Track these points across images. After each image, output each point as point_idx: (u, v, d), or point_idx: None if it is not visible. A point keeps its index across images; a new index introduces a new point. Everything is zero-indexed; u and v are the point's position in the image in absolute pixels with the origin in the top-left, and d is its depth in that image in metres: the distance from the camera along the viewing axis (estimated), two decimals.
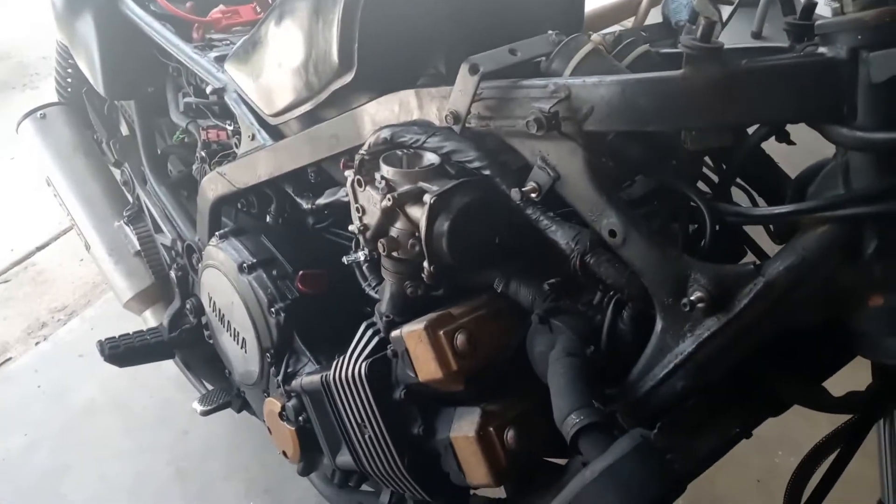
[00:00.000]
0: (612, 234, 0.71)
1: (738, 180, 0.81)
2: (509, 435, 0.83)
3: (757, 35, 2.67)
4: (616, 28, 0.85)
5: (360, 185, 0.89)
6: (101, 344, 1.36)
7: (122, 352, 1.34)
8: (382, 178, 0.86)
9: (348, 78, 0.91)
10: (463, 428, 0.85)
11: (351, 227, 0.93)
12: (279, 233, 1.23)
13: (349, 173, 0.91)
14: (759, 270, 0.65)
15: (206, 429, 1.80)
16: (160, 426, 1.84)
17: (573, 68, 0.77)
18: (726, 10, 0.66)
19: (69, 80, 1.67)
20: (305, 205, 1.15)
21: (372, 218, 0.89)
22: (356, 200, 0.91)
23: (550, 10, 1.01)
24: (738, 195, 0.80)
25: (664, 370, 0.71)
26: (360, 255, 1.07)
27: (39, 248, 2.48)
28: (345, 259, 1.10)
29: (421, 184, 0.84)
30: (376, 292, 0.99)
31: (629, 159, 0.77)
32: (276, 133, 1.16)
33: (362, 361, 0.92)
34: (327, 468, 1.16)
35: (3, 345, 2.17)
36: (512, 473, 0.83)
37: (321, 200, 1.11)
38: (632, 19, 1.69)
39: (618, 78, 0.68)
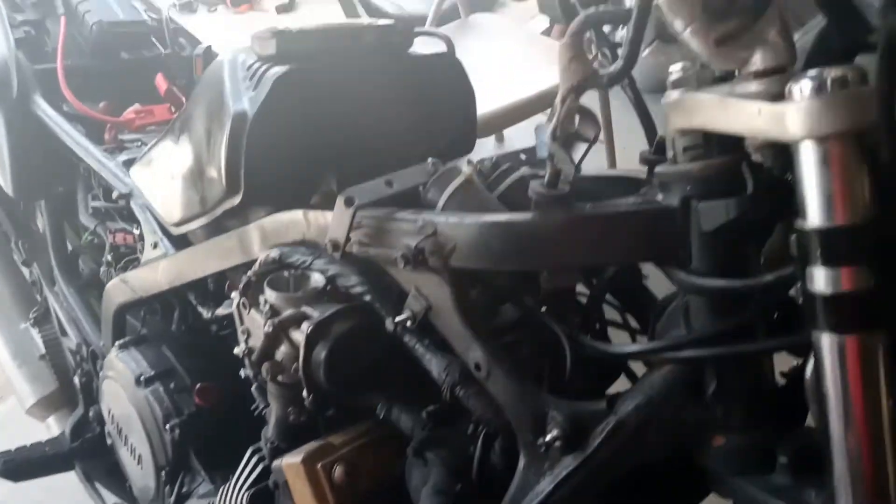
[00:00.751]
0: (478, 367, 0.71)
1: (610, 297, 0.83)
2: None
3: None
4: (492, 154, 0.87)
5: (245, 308, 0.89)
6: None
7: (18, 465, 1.28)
8: (266, 301, 0.85)
9: (236, 200, 0.91)
10: None
11: (236, 350, 0.91)
12: (182, 342, 1.20)
13: (235, 295, 0.90)
14: (611, 408, 0.65)
15: None
16: None
17: (445, 200, 0.78)
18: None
19: None
20: (206, 314, 1.13)
21: (256, 341, 0.88)
22: (241, 322, 0.90)
23: (443, 124, 1.03)
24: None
25: None
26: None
27: None
28: (242, 372, 1.08)
29: (304, 308, 0.83)
30: (262, 412, 0.97)
31: (497, 288, 0.77)
32: (179, 241, 1.15)
33: (244, 492, 0.89)
34: None
35: None
36: None
37: (220, 311, 1.10)
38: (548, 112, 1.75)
39: (475, 219, 0.69)
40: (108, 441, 1.32)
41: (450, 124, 1.03)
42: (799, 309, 0.54)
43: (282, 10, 3.84)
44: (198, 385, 1.12)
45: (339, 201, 0.78)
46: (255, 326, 0.88)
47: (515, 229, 0.66)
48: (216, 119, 0.92)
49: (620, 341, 0.75)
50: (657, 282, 0.74)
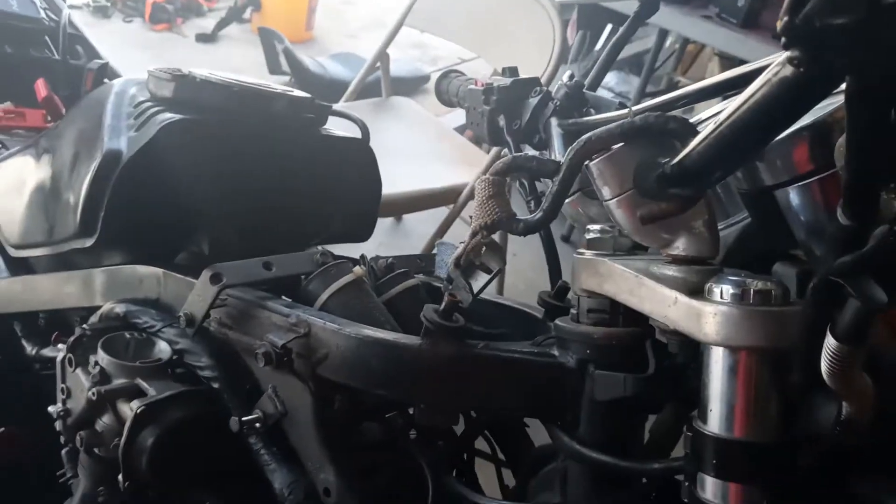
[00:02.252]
0: (327, 492, 0.64)
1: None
2: None
3: (566, 238, 2.82)
4: (388, 254, 0.82)
5: (69, 364, 0.77)
6: None
7: None
8: (97, 364, 0.74)
9: (87, 243, 0.81)
10: None
11: (50, 409, 0.79)
12: None
13: (61, 348, 0.78)
14: None
15: None
16: None
17: (327, 297, 0.72)
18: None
19: None
20: (30, 350, 0.99)
21: (76, 404, 0.76)
22: (63, 380, 0.78)
23: (343, 208, 0.97)
24: None
25: None
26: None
27: None
28: (51, 409, 0.94)
29: (139, 381, 0.73)
30: (69, 482, 0.84)
31: (362, 404, 0.71)
32: (15, 264, 1.01)
33: None
34: None
35: None
36: None
37: (46, 352, 0.97)
38: (450, 206, 1.75)
39: (356, 330, 0.63)
40: None
41: (350, 209, 0.98)
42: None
43: (201, 39, 3.68)
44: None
45: (205, 276, 0.70)
46: (77, 387, 0.77)
47: (399, 354, 0.60)
48: (85, 149, 0.82)
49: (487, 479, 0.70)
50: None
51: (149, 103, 0.82)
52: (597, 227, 0.60)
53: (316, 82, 3.00)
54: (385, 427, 0.72)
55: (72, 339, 0.78)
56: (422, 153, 1.90)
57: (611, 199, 0.53)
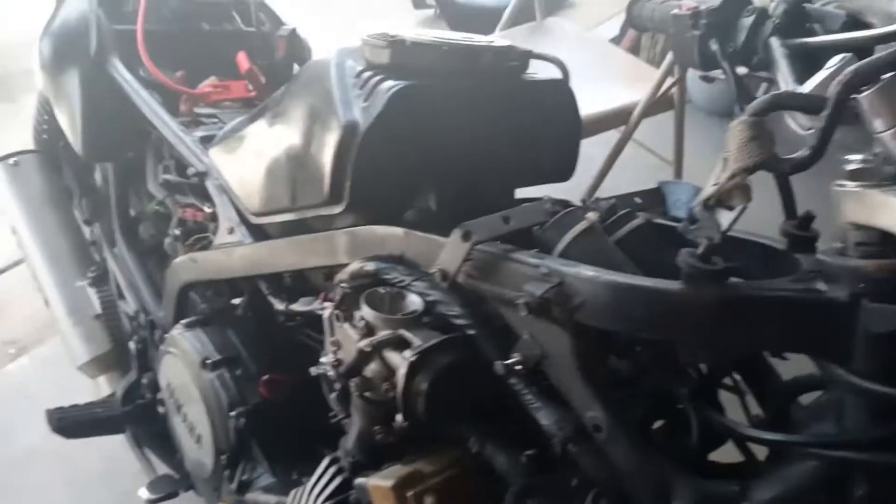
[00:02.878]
0: (597, 429, 0.69)
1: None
2: None
3: None
4: (612, 196, 0.84)
5: (338, 320, 0.87)
6: (49, 413, 1.31)
7: (71, 424, 1.29)
8: (362, 318, 0.83)
9: (336, 209, 0.89)
10: None
11: (323, 359, 0.89)
12: (247, 328, 1.19)
13: (328, 305, 0.88)
14: (743, 494, 0.63)
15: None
16: (103, 484, 1.76)
17: (566, 245, 0.75)
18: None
19: (46, 130, 1.61)
20: (278, 305, 1.11)
21: (347, 355, 0.86)
22: (332, 334, 0.88)
23: (546, 152, 1.00)
24: None
25: None
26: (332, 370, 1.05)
27: None
28: (313, 370, 1.07)
29: (402, 332, 0.81)
30: (340, 421, 0.96)
31: (614, 345, 0.75)
32: (255, 230, 1.13)
33: (324, 501, 0.88)
34: None
35: None
36: None
37: (295, 307, 1.08)
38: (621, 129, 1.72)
39: (613, 278, 0.67)
40: (161, 410, 1.32)
41: (552, 152, 1.00)
42: None
43: None
44: (265, 377, 1.11)
45: (456, 234, 0.75)
46: (346, 340, 0.86)
47: (662, 299, 0.63)
48: (321, 123, 0.89)
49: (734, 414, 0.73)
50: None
51: (369, 72, 0.87)
52: (857, 157, 0.58)
53: (462, 13, 2.98)
54: (636, 365, 0.76)
55: (337, 298, 0.87)
56: (587, 75, 1.86)
57: (885, 132, 0.52)
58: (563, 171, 1.01)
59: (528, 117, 0.94)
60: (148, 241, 1.47)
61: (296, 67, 1.45)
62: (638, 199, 0.87)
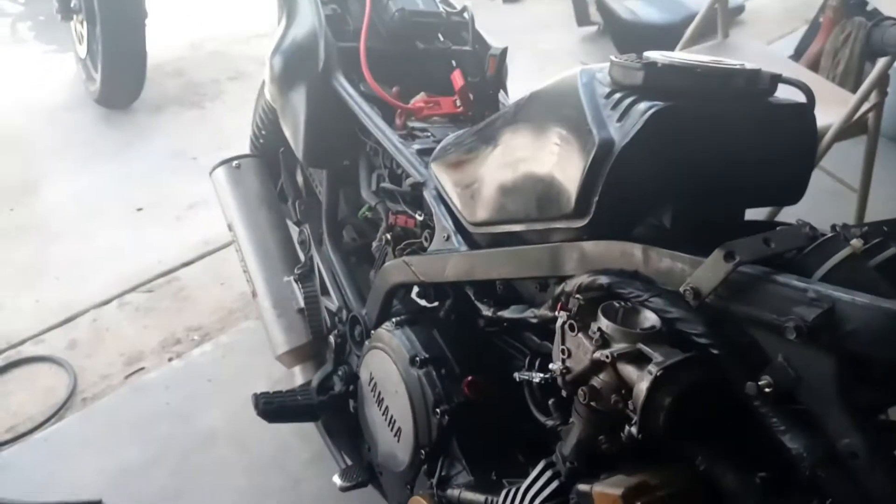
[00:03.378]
0: (854, 455, 0.69)
1: None
2: None
3: None
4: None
5: (571, 330, 0.90)
6: (255, 398, 1.42)
7: (275, 408, 1.39)
8: (599, 329, 0.86)
9: (580, 223, 0.93)
10: None
11: (552, 366, 0.93)
12: (449, 330, 1.25)
13: (562, 315, 0.91)
14: None
15: (317, 483, 1.83)
16: (274, 470, 1.88)
17: (826, 272, 0.76)
18: None
19: (264, 136, 1.77)
20: (486, 311, 1.16)
21: (577, 364, 0.89)
22: (563, 342, 0.92)
23: (780, 174, 1.00)
24: None
25: None
26: (537, 377, 1.08)
27: (185, 265, 2.61)
28: (517, 375, 1.11)
29: (640, 346, 0.83)
30: (556, 427, 0.99)
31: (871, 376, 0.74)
32: (469, 239, 1.19)
33: (541, 503, 0.92)
34: None
35: (139, 353, 2.28)
36: None
37: (505, 313, 1.12)
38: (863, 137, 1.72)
39: (893, 306, 0.66)
40: (352, 404, 1.41)
41: (786, 174, 1.00)
42: None
43: (508, 0, 3.88)
44: (469, 378, 1.17)
45: (718, 254, 0.77)
46: (579, 349, 0.89)
47: None
48: (570, 140, 0.94)
49: None
50: None
51: (621, 93, 0.91)
52: None
53: (627, 29, 2.99)
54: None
55: (572, 307, 0.90)
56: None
57: None
58: (794, 193, 1.01)
59: (770, 140, 0.95)
60: (349, 244, 1.58)
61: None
62: (885, 228, 0.85)
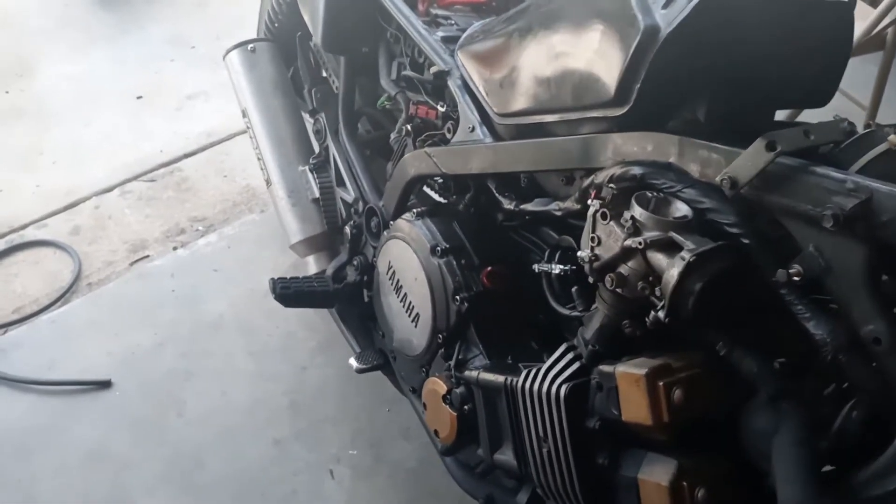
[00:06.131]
0: (877, 341, 0.72)
1: None
2: (700, 493, 0.86)
3: None
4: None
5: (603, 218, 0.91)
6: (273, 282, 1.44)
7: (292, 293, 1.41)
8: (632, 217, 0.88)
9: (619, 111, 0.92)
10: (655, 474, 0.88)
11: (580, 254, 0.95)
12: (469, 223, 1.26)
13: (595, 203, 0.92)
14: None
15: (322, 371, 1.89)
16: (281, 357, 1.93)
17: (863, 165, 0.77)
18: None
19: (280, 20, 1.72)
20: (507, 204, 1.17)
21: (606, 251, 0.91)
22: (593, 230, 0.93)
23: (812, 72, 0.99)
24: None
25: (894, 485, 0.72)
26: (556, 269, 1.11)
27: (187, 156, 2.58)
28: (536, 267, 1.13)
29: (672, 234, 0.85)
30: (580, 314, 1.02)
31: None
32: (494, 131, 1.19)
33: (562, 383, 0.95)
34: (470, 457, 1.22)
35: (142, 241, 2.29)
36: None
37: (528, 206, 1.13)
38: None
39: None
40: (366, 293, 1.44)
41: (818, 76, 0.99)
42: None
43: None
44: (488, 268, 1.19)
45: (759, 144, 0.77)
46: (608, 237, 0.91)
47: None
48: (612, 26, 0.92)
49: None
50: None
51: None
52: None
53: None
54: None
55: (605, 196, 0.92)
56: None
57: None
58: (823, 95, 1.01)
59: (809, 37, 0.94)
60: (365, 135, 1.57)
61: None
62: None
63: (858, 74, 2.33)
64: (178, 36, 3.15)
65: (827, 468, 0.79)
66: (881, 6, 1.87)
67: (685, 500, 0.85)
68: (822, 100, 1.02)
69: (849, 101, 2.26)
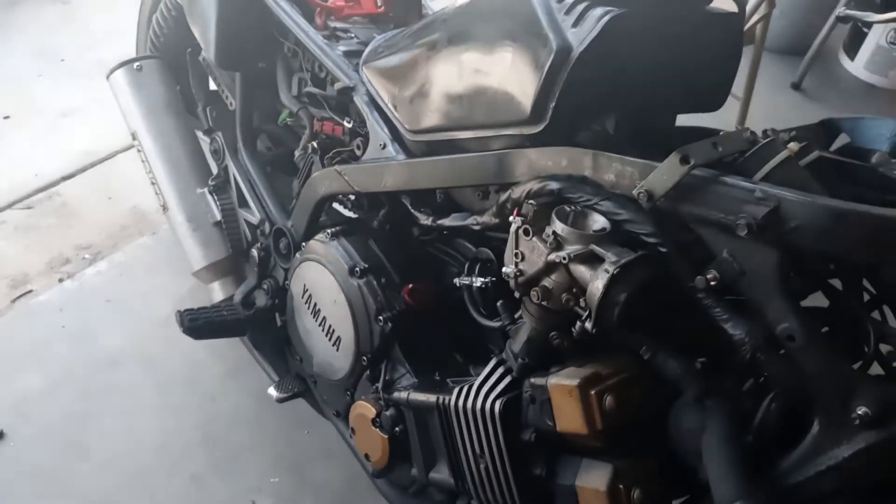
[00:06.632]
0: (791, 338, 0.77)
1: None
2: (636, 493, 0.89)
3: (797, 86, 2.77)
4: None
5: (525, 234, 0.93)
6: (180, 315, 1.37)
7: (202, 324, 1.35)
8: (553, 233, 0.89)
9: (534, 129, 0.94)
10: (592, 480, 0.90)
11: (505, 270, 0.96)
12: (385, 240, 1.25)
13: (517, 220, 0.93)
14: None
15: (234, 399, 1.82)
16: (188, 387, 1.84)
17: (766, 173, 0.82)
18: None
19: (166, 33, 1.63)
20: (424, 220, 1.16)
21: (531, 266, 0.93)
22: (517, 246, 0.94)
23: (704, 81, 1.05)
24: None
25: (815, 469, 0.77)
26: (478, 281, 1.12)
27: (65, 178, 2.41)
28: (457, 280, 1.14)
29: (593, 247, 0.87)
30: (505, 325, 1.03)
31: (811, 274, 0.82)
32: (405, 147, 1.18)
33: (496, 398, 0.96)
34: (403, 477, 1.21)
35: (23, 275, 2.12)
36: None
37: (445, 221, 1.13)
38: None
39: (833, 203, 0.73)
40: (279, 317, 1.40)
41: (712, 82, 1.05)
42: None
43: None
44: (409, 285, 1.18)
45: (674, 158, 0.81)
46: (532, 252, 0.92)
47: (882, 224, 0.69)
48: (524, 46, 0.93)
49: None
50: None
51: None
52: None
53: None
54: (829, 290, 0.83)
55: (526, 213, 0.93)
56: None
57: None
58: (717, 101, 1.06)
59: (703, 48, 0.99)
60: (265, 153, 1.52)
61: None
62: (809, 132, 0.93)
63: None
64: (45, 48, 2.94)
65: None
66: (750, 3, 2.00)
67: (622, 501, 0.88)
68: (717, 104, 1.08)
69: None
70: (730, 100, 2.26)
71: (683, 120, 1.09)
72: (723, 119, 2.64)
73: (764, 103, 2.60)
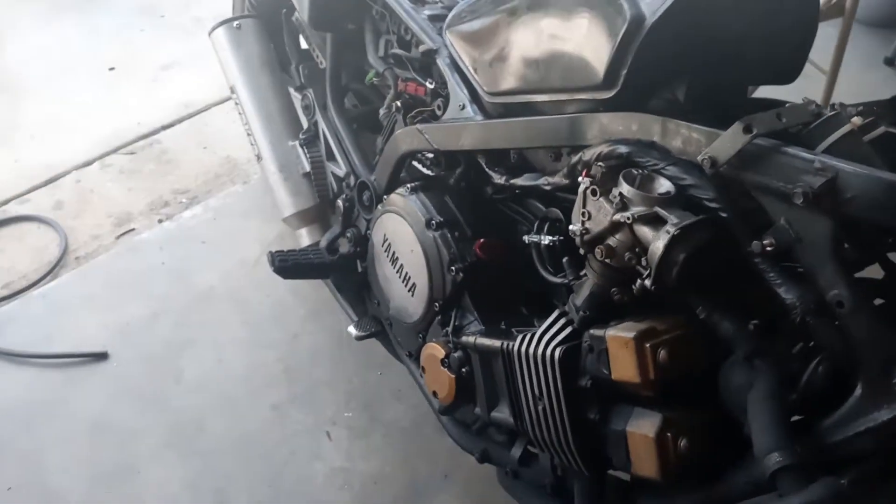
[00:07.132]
0: (840, 305, 0.81)
1: None
2: (683, 443, 0.95)
3: (890, 61, 2.66)
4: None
5: (593, 194, 0.99)
6: (271, 255, 1.49)
7: (290, 266, 1.47)
8: (620, 194, 0.95)
9: (606, 95, 0.99)
10: (642, 426, 0.97)
11: (572, 227, 1.02)
12: (460, 196, 1.33)
13: (585, 180, 0.99)
14: None
15: (314, 337, 1.96)
16: (273, 325, 1.99)
17: (829, 145, 0.85)
18: None
19: None
20: (497, 179, 1.23)
21: (596, 225, 0.99)
22: (584, 205, 1.00)
23: (780, 52, 1.06)
24: None
25: (855, 430, 0.82)
26: (546, 239, 1.18)
27: (165, 127, 2.59)
28: (526, 238, 1.21)
29: (657, 209, 0.92)
30: (569, 282, 1.10)
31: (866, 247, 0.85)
32: (483, 108, 1.24)
33: (556, 346, 1.04)
34: (466, 415, 1.31)
35: (127, 214, 2.31)
36: (677, 476, 0.96)
37: (518, 181, 1.20)
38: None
39: (887, 176, 0.76)
40: (360, 264, 1.50)
41: (784, 53, 1.07)
42: None
43: None
44: (481, 239, 1.26)
45: (737, 127, 0.85)
46: (598, 212, 0.98)
47: None
48: (600, 13, 0.98)
49: None
50: None
51: None
52: None
53: None
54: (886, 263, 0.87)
55: (595, 174, 0.99)
56: None
57: None
58: (791, 73, 1.08)
59: (778, 19, 1.00)
60: (351, 110, 1.61)
61: None
62: (875, 108, 0.94)
63: (819, 40, 2.43)
64: (147, 4, 3.11)
65: (796, 418, 0.89)
66: None
67: (669, 449, 0.95)
68: (790, 77, 1.10)
69: (810, 65, 2.35)
70: (817, 74, 2.23)
71: (764, 92, 1.11)
72: (808, 94, 2.58)
73: (853, 79, 2.51)
